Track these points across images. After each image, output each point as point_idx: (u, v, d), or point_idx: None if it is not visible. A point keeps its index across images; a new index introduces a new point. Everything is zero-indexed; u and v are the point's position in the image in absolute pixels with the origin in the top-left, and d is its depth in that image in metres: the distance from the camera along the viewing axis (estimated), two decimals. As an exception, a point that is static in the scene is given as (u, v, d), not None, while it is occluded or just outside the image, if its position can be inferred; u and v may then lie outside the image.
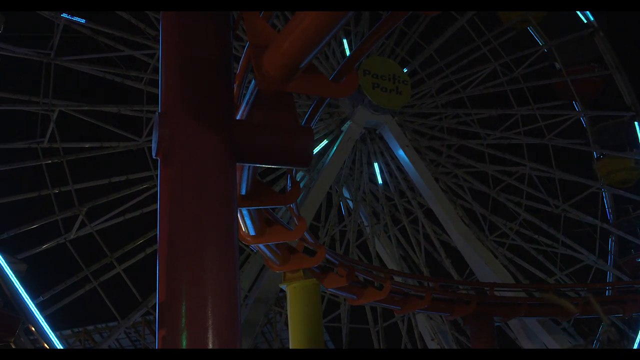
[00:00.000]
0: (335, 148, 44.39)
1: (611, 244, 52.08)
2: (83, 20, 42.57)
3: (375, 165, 47.97)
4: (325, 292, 36.55)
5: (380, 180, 48.05)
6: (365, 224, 47.87)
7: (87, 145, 42.40)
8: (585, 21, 53.61)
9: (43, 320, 32.08)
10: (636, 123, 52.72)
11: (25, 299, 31.64)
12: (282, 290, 33.26)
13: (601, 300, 39.75)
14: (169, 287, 11.45)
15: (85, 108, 42.30)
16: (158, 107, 12.54)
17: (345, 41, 48.61)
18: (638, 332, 45.85)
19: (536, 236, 50.06)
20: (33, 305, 32.05)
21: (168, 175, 12.00)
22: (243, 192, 15.12)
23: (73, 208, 40.81)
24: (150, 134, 41.67)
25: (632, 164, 52.39)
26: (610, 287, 45.36)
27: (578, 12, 53.61)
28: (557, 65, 53.70)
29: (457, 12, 50.96)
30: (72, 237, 40.38)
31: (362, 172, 47.69)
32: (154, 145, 12.05)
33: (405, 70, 47.53)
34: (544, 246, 50.02)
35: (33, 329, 31.61)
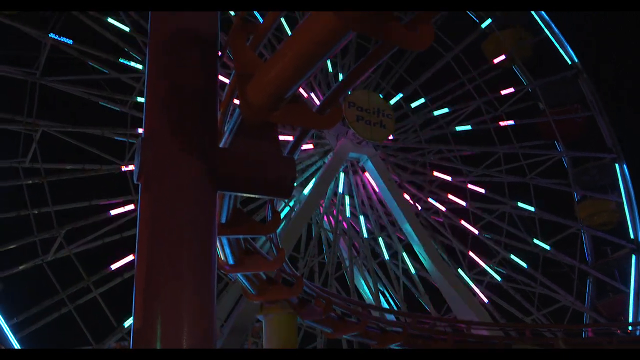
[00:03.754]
0: (317, 179, 44.39)
1: (589, 285, 52.20)
2: (70, 41, 42.52)
3: (357, 197, 47.95)
4: (302, 324, 36.36)
5: (361, 214, 48.00)
6: (345, 256, 47.75)
7: (68, 167, 42.20)
8: (569, 62, 54.12)
9: (16, 342, 31.78)
10: (617, 165, 53.06)
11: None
12: (258, 321, 33.08)
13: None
14: (144, 313, 11.34)
15: (69, 129, 42.14)
16: (142, 131, 12.52)
17: (330, 71, 48.84)
18: None
19: (514, 275, 50.11)
20: (7, 327, 31.73)
21: (148, 201, 11.93)
22: (223, 220, 15.07)
23: (52, 229, 40.56)
24: (132, 157, 41.57)
25: (613, 207, 52.72)
26: (586, 329, 45.36)
27: (563, 54, 54.14)
28: (541, 105, 54.09)
29: (442, 48, 51.40)
30: (49, 259, 40.09)
31: (344, 205, 47.65)
32: (135, 170, 12.00)
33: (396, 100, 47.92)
34: (522, 285, 50.07)
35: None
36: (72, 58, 43.15)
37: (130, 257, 40.54)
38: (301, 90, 45.00)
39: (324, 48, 10.33)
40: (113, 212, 42.15)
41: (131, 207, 41.99)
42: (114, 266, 41.11)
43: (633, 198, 52.60)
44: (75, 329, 39.66)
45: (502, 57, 53.25)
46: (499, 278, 49.95)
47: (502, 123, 52.77)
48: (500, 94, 53.35)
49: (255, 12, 43.69)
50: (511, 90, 53.74)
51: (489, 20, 53.31)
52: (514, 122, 53.28)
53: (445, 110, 51.80)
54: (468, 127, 52.31)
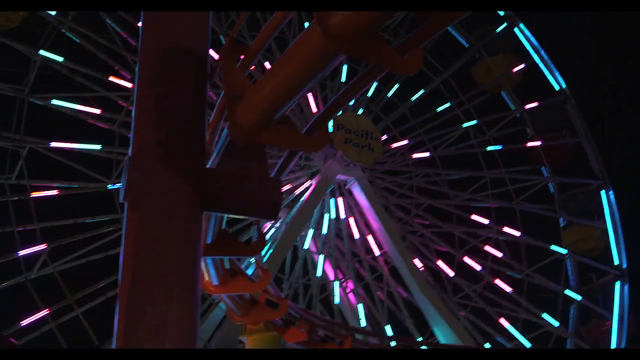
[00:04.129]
0: (304, 201, 44.39)
1: (573, 311, 52.24)
2: (61, 59, 42.53)
3: (343, 220, 47.94)
4: (285, 346, 36.22)
5: (347, 236, 47.98)
6: (330, 278, 47.69)
7: (55, 184, 42.04)
8: (557, 88, 54.44)
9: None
10: (603, 192, 53.26)
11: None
12: (241, 342, 32.93)
13: None
14: (127, 333, 11.27)
15: (55, 146, 42.02)
16: (129, 150, 12.50)
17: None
18: None
19: (499, 300, 50.12)
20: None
21: (134, 220, 11.88)
22: (209, 240, 15.02)
23: (36, 246, 40.33)
24: (119, 176, 41.48)
25: (599, 233, 52.87)
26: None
27: (551, 80, 54.46)
28: (529, 131, 54.34)
29: (432, 72, 51.67)
30: (33, 276, 39.85)
31: (330, 227, 47.63)
32: (122, 189, 11.95)
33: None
34: (507, 310, 50.07)
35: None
36: (61, 75, 43.14)
37: (115, 276, 40.34)
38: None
39: (313, 70, 10.36)
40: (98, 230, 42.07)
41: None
42: (97, 285, 40.91)
43: (619, 225, 52.76)
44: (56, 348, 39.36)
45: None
46: (483, 303, 49.91)
47: (489, 148, 52.98)
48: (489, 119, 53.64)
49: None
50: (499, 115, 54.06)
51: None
52: (502, 147, 53.47)
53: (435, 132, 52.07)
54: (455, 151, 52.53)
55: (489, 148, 53.03)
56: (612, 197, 53.33)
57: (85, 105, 43.16)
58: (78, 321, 39.97)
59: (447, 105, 52.76)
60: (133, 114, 12.69)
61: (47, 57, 42.17)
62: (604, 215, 53.19)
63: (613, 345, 49.92)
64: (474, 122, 53.00)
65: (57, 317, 39.57)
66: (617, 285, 51.93)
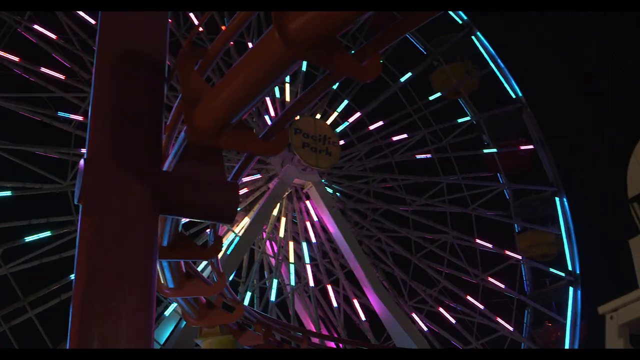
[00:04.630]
0: (261, 205, 44.35)
1: (527, 315, 52.79)
2: (16, 58, 42.08)
3: (299, 224, 47.97)
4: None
5: (303, 240, 48.00)
6: (286, 282, 47.67)
7: (9, 185, 41.51)
8: (514, 96, 55.00)
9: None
10: (557, 198, 53.91)
11: None
12: (197, 345, 32.80)
13: None
14: (81, 336, 11.20)
15: (10, 147, 41.53)
16: (85, 151, 12.43)
17: (278, 97, 48.96)
18: None
19: (454, 304, 50.49)
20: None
21: (89, 222, 11.81)
22: (165, 243, 14.96)
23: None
24: (75, 177, 41.07)
25: (552, 239, 53.51)
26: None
27: (508, 88, 55.04)
28: (485, 138, 54.82)
29: (390, 78, 51.95)
30: (-15, 277, 39.36)
31: (287, 230, 47.62)
32: (76, 191, 11.88)
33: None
34: (462, 314, 50.44)
35: None
36: (16, 75, 42.68)
37: (69, 278, 39.94)
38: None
39: (272, 75, 10.41)
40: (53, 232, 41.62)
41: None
42: (52, 287, 40.46)
43: (572, 231, 53.41)
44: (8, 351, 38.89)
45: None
46: (438, 307, 50.23)
47: (446, 154, 53.38)
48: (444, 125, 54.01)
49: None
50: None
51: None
52: (458, 153, 53.93)
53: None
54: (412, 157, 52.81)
55: (446, 154, 53.38)
56: (566, 203, 53.99)
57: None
58: (31, 324, 39.51)
59: (405, 111, 53.02)
60: (89, 115, 12.62)
61: (2, 56, 41.72)
62: (557, 222, 53.82)
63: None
64: (431, 129, 53.33)
65: (10, 320, 39.07)
66: (571, 290, 52.60)
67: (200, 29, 39.97)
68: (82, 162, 11.82)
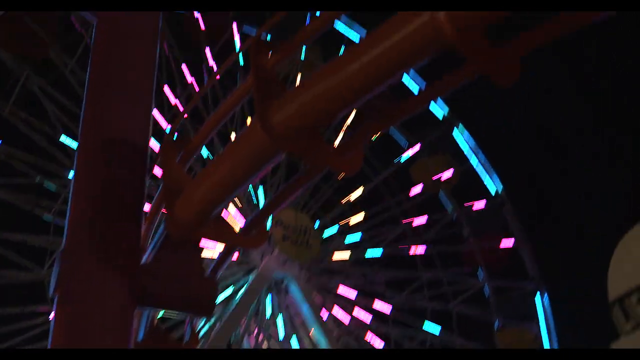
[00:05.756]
0: (239, 297, 43.92)
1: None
2: (-1, 142, 42.20)
3: (279, 319, 47.35)
4: None
5: (282, 335, 47.28)
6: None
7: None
8: (494, 192, 55.18)
9: None
10: (538, 294, 53.67)
11: None
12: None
13: None
14: None
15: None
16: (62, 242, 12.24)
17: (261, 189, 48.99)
18: None
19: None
20: None
21: (64, 315, 11.57)
22: (140, 337, 14.65)
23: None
24: (52, 266, 40.63)
25: (532, 337, 53.04)
26: None
27: (488, 184, 55.25)
28: (465, 233, 54.81)
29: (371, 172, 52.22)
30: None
31: (265, 325, 47.03)
32: (52, 283, 11.68)
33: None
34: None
35: None
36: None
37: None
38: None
39: (253, 168, 10.34)
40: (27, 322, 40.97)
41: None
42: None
43: (552, 328, 52.97)
44: None
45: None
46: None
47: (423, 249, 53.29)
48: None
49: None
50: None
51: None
52: (437, 249, 53.88)
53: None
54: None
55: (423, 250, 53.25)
56: (546, 300, 53.69)
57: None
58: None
59: (385, 204, 53.10)
60: (69, 205, 12.48)
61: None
62: (537, 319, 53.43)
63: None
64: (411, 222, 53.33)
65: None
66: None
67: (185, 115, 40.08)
68: (58, 253, 11.66)
